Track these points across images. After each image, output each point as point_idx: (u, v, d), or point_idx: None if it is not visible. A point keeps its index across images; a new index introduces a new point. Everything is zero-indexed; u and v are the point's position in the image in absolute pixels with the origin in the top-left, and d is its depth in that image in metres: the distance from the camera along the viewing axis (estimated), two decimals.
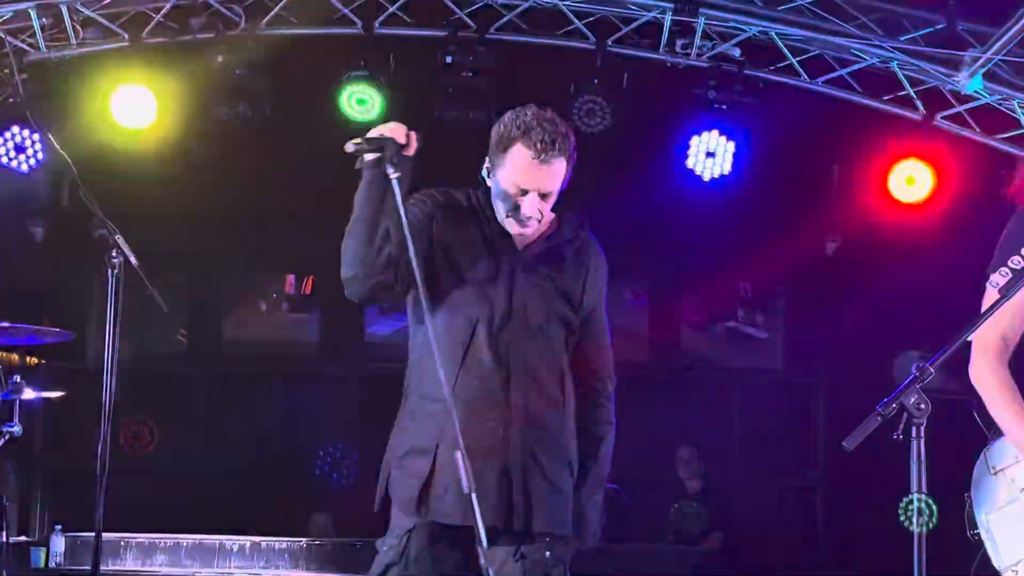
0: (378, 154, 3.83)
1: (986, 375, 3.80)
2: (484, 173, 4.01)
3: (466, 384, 3.84)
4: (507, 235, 3.98)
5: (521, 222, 3.92)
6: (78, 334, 8.52)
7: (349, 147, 3.88)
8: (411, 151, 3.87)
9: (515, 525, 3.82)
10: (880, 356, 9.27)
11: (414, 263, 3.69)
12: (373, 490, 4.06)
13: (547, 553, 3.85)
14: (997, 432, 3.84)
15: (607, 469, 4.04)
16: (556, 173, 3.89)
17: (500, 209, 3.95)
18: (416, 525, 3.87)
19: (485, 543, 3.55)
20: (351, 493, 9.83)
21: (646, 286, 10.92)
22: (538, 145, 3.84)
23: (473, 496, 3.52)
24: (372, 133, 3.88)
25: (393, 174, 3.78)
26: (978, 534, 3.79)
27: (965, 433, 3.97)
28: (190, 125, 8.62)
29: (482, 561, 3.69)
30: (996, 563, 3.73)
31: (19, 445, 5.99)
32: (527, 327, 3.90)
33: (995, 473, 3.80)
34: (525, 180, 3.87)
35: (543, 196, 3.90)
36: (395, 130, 3.86)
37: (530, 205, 3.89)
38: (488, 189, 4.00)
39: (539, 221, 3.95)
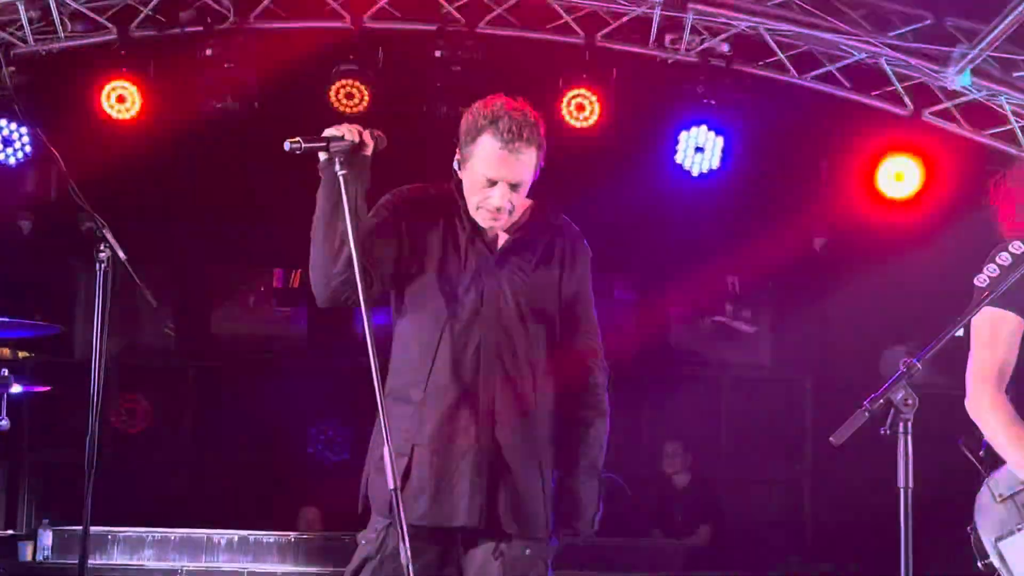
0: (321, 152, 3.76)
1: (986, 407, 3.79)
2: (455, 165, 3.94)
3: (438, 383, 3.81)
4: (479, 229, 3.91)
5: (491, 214, 3.85)
6: (66, 328, 8.52)
7: (285, 145, 3.78)
8: (367, 151, 3.82)
9: (489, 525, 3.79)
10: (867, 351, 9.30)
11: (356, 264, 3.64)
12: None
13: (526, 551, 3.81)
14: (994, 463, 3.83)
15: (600, 456, 3.96)
16: (525, 163, 3.80)
17: (471, 202, 3.88)
18: (392, 521, 3.78)
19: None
20: (340, 487, 9.82)
21: (634, 281, 10.93)
22: (506, 135, 3.75)
23: (396, 493, 3.54)
24: (325, 132, 3.79)
25: (340, 171, 3.71)
26: (989, 563, 3.79)
27: (951, 427, 3.98)
28: (178, 119, 8.60)
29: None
30: None
31: (6, 439, 5.98)
32: (499, 323, 3.84)
33: (1002, 500, 3.79)
34: (494, 171, 3.79)
35: (513, 187, 3.81)
36: (346, 129, 3.78)
37: (500, 196, 3.81)
38: (460, 182, 3.94)
39: (510, 213, 3.87)
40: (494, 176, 3.80)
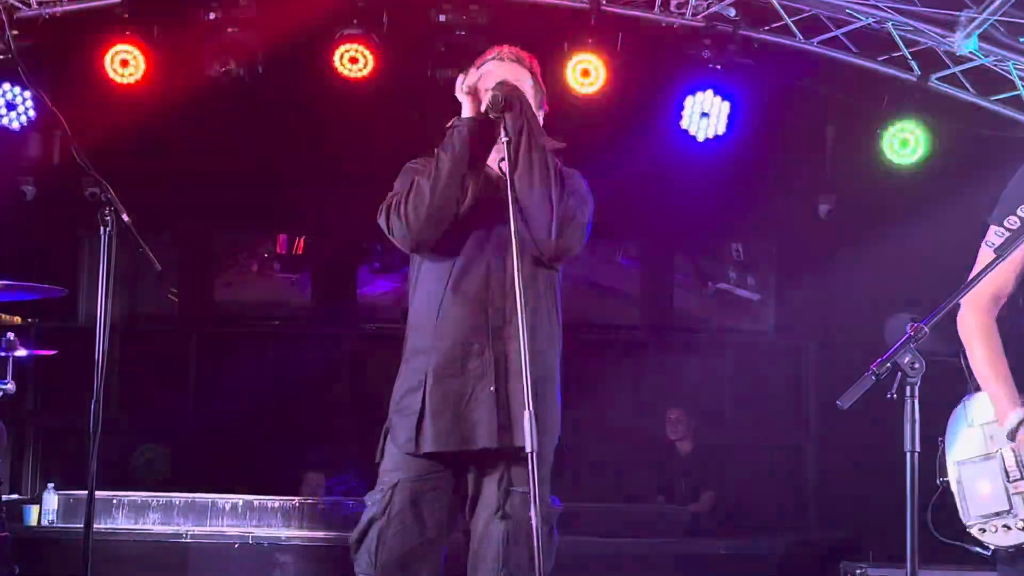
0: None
1: (973, 328, 3.80)
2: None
3: (449, 313, 4.01)
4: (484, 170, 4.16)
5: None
6: (70, 292, 8.50)
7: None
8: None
9: (504, 444, 3.91)
10: (871, 318, 9.26)
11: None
12: (366, 449, 4.15)
13: (532, 517, 3.79)
14: (977, 385, 3.84)
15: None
16: (522, 74, 4.23)
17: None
18: (400, 481, 3.96)
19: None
20: (345, 451, 9.86)
21: (638, 247, 10.91)
22: (504, 52, 4.28)
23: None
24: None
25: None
26: (947, 482, 3.81)
27: (956, 396, 3.98)
28: (182, 83, 8.57)
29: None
30: (963, 515, 3.74)
31: (11, 403, 5.99)
32: (505, 253, 4.00)
33: (972, 426, 3.81)
34: (496, 77, 4.15)
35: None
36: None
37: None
38: None
39: None
40: (498, 78, 4.14)
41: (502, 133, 3.99)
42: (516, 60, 4.28)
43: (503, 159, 4.02)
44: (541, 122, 4.19)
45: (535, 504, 3.66)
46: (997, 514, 3.67)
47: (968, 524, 3.74)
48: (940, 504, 3.82)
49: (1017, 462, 3.65)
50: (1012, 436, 3.65)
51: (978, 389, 3.83)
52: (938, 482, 3.83)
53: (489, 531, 3.93)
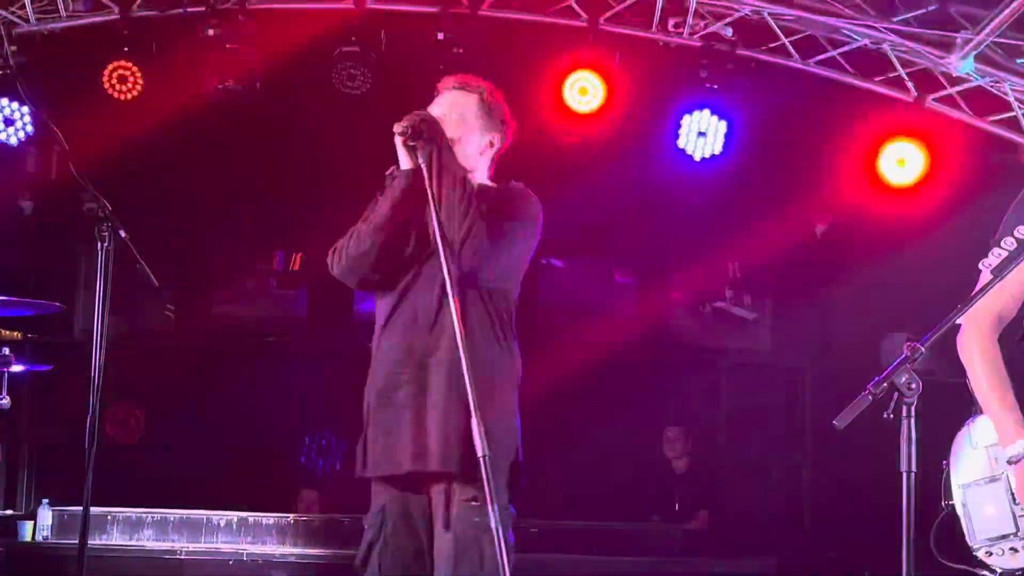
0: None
1: (976, 352, 3.79)
2: None
3: (385, 340, 4.22)
4: None
5: None
6: (67, 308, 8.49)
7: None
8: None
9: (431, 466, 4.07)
10: (868, 338, 9.29)
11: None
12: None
13: (474, 517, 4.01)
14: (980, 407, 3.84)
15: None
16: (466, 100, 4.36)
17: None
18: (386, 502, 4.15)
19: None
20: (339, 469, 9.84)
21: (635, 266, 10.92)
22: (447, 82, 4.50)
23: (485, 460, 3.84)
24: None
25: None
26: (952, 505, 3.80)
27: (952, 416, 3.98)
28: (180, 99, 8.58)
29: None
30: (969, 538, 3.73)
31: (6, 418, 5.98)
32: (436, 282, 4.10)
33: (977, 448, 3.80)
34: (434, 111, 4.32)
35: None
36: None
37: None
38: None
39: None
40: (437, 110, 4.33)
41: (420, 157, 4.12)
42: (460, 87, 4.41)
43: None
44: (499, 144, 4.34)
45: (492, 507, 3.79)
46: (1003, 536, 3.66)
47: (974, 547, 3.72)
48: (945, 527, 3.80)
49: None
50: (1014, 463, 3.64)
51: (981, 412, 3.83)
52: (943, 505, 3.81)
53: (440, 548, 4.09)
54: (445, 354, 4.08)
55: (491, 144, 4.37)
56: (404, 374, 4.14)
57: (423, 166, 4.09)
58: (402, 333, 4.18)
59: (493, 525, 3.81)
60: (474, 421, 3.86)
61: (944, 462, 3.85)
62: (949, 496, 3.81)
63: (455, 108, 4.34)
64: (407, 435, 4.08)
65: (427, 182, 4.08)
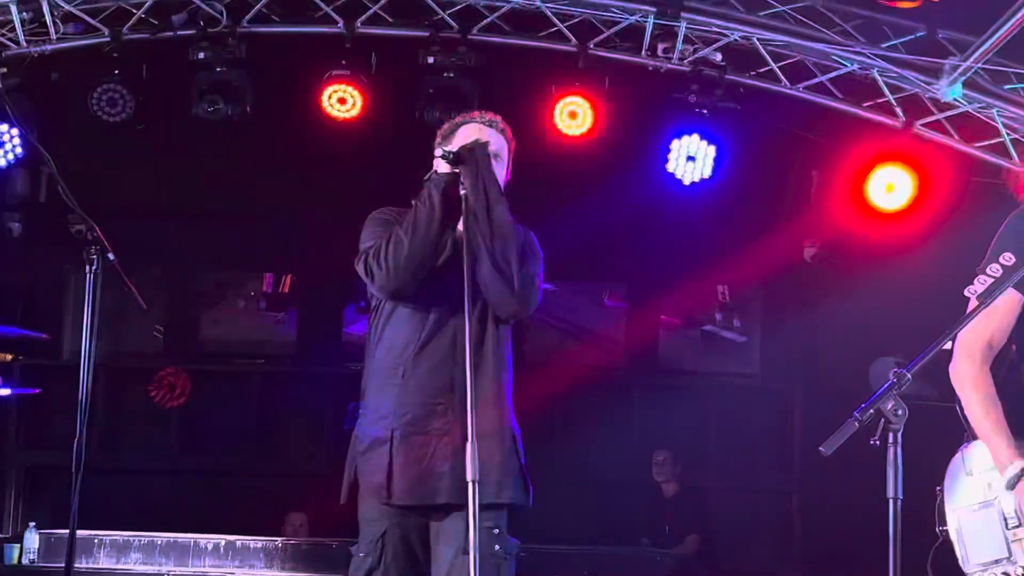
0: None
1: (968, 379, 3.81)
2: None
3: (418, 370, 4.15)
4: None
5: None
6: (54, 330, 8.48)
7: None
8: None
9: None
10: (857, 362, 9.30)
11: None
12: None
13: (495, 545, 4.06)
14: (974, 433, 3.84)
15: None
16: (501, 139, 4.37)
17: None
18: (387, 529, 4.13)
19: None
20: (327, 492, 9.80)
21: (624, 289, 10.93)
22: (484, 117, 4.42)
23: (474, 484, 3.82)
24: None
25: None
26: (946, 531, 3.80)
27: (940, 440, 3.98)
28: (170, 121, 8.59)
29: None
30: (963, 564, 3.74)
31: None
32: (464, 314, 4.06)
33: (971, 475, 3.81)
34: (475, 136, 4.28)
35: (494, 156, 4.25)
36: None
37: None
38: None
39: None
40: (478, 136, 4.29)
41: (460, 187, 4.12)
42: (500, 128, 4.42)
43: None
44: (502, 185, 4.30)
45: (474, 527, 3.79)
46: (996, 561, 3.67)
47: (968, 572, 3.73)
48: (941, 552, 3.81)
49: (1016, 509, 3.64)
50: (1012, 486, 3.64)
51: (974, 438, 3.83)
52: (938, 531, 3.82)
53: (456, 565, 4.06)
54: (487, 385, 4.13)
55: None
56: (442, 403, 4.13)
57: (467, 193, 4.10)
58: (440, 361, 4.15)
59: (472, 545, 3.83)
60: (469, 446, 3.87)
61: (938, 488, 3.86)
62: (944, 522, 3.81)
63: (495, 144, 4.36)
64: (445, 465, 4.08)
65: (468, 211, 4.10)
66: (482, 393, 4.04)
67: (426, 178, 4.24)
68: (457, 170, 4.12)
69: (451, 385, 4.12)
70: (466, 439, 3.94)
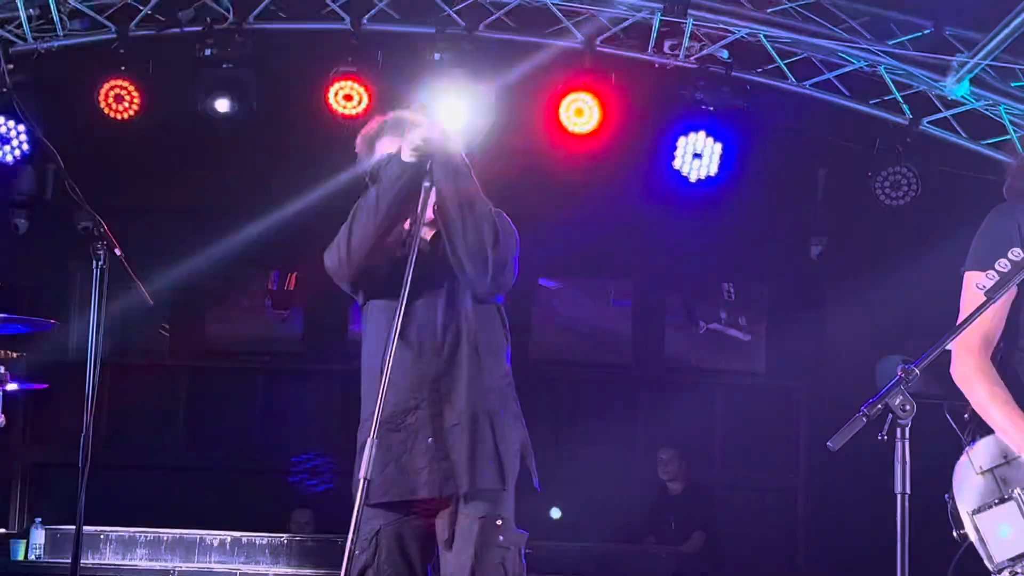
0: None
1: (970, 371, 3.79)
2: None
3: (392, 370, 3.99)
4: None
5: None
6: (60, 327, 8.45)
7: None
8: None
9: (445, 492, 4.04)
10: (863, 360, 9.29)
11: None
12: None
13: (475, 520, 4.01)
14: (974, 432, 3.83)
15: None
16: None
17: None
18: (380, 527, 4.09)
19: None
20: (332, 488, 9.82)
21: (630, 287, 10.92)
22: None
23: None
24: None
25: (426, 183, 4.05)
26: (964, 534, 3.78)
27: (947, 436, 3.97)
28: (176, 118, 8.59)
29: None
30: (988, 563, 3.71)
31: (0, 436, 5.97)
32: (436, 303, 4.12)
33: (981, 473, 3.79)
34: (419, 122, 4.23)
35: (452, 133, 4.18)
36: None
37: None
38: None
39: None
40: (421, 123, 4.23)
41: (426, 179, 4.04)
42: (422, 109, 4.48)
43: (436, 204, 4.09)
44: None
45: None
46: (1023, 555, 3.66)
47: (995, 571, 3.71)
48: (964, 557, 3.79)
49: None
50: None
51: (976, 438, 3.82)
52: (955, 535, 3.80)
53: (456, 566, 4.03)
54: (461, 374, 4.07)
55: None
56: (415, 399, 4.08)
57: (434, 184, 4.04)
58: (411, 355, 4.09)
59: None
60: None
61: (946, 495, 3.83)
62: (960, 526, 3.78)
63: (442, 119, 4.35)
64: (422, 460, 4.04)
65: (440, 200, 4.05)
66: (455, 383, 4.05)
67: (385, 163, 4.16)
68: (424, 161, 4.03)
69: (422, 379, 4.08)
70: (441, 432, 4.00)
